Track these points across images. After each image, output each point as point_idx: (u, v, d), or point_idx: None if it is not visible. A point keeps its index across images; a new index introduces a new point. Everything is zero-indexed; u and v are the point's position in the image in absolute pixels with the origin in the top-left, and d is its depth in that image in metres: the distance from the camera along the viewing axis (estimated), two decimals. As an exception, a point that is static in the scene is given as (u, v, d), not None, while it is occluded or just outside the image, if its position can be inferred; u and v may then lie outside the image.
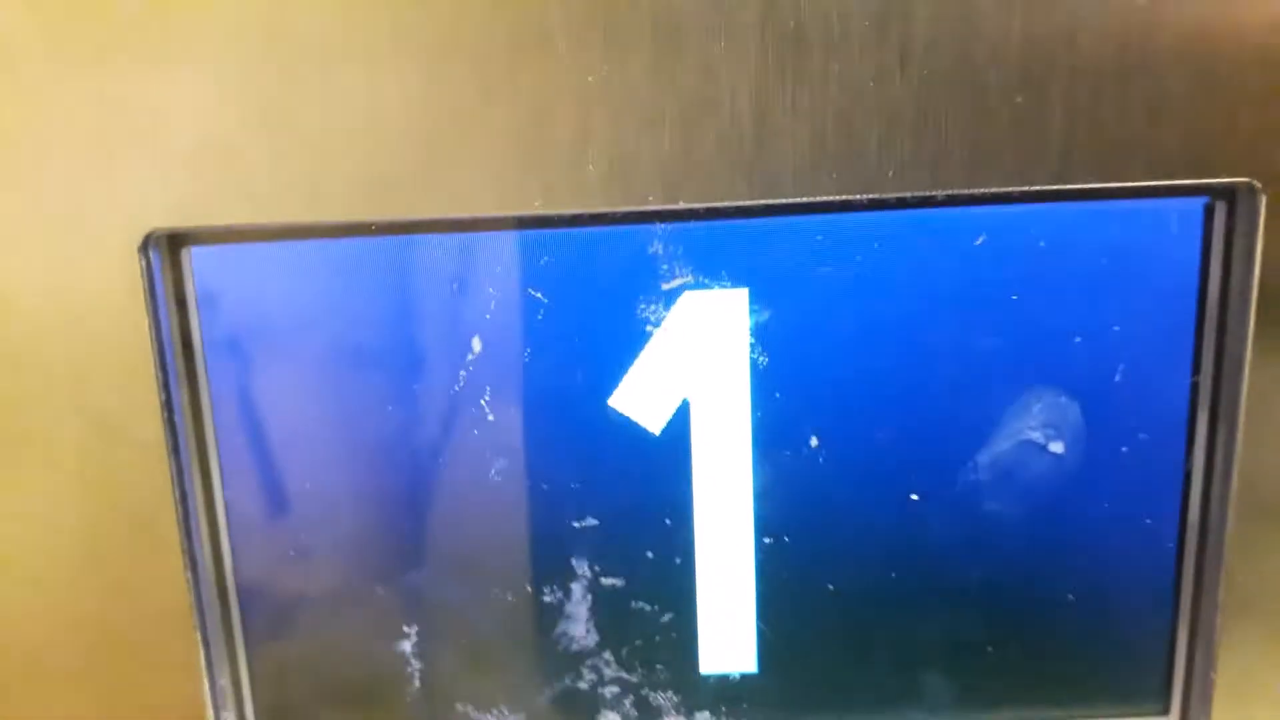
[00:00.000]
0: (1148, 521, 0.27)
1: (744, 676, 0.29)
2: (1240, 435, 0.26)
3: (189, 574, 0.28)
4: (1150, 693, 0.29)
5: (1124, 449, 0.27)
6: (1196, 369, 0.27)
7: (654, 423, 0.27)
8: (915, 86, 0.24)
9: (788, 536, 0.28)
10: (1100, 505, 0.27)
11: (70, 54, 0.24)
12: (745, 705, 0.29)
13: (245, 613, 0.29)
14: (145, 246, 0.25)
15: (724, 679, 0.29)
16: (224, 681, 0.29)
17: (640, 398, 0.27)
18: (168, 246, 0.26)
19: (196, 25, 0.24)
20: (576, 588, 0.28)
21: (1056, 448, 0.27)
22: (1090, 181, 0.25)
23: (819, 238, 0.26)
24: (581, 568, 0.28)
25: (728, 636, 0.29)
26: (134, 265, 0.26)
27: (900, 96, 0.24)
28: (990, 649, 0.29)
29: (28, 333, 0.26)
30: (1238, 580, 0.27)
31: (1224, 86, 0.24)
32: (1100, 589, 0.28)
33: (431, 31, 0.24)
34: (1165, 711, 0.29)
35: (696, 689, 0.29)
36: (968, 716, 0.29)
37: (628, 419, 0.27)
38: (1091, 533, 0.28)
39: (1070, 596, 0.28)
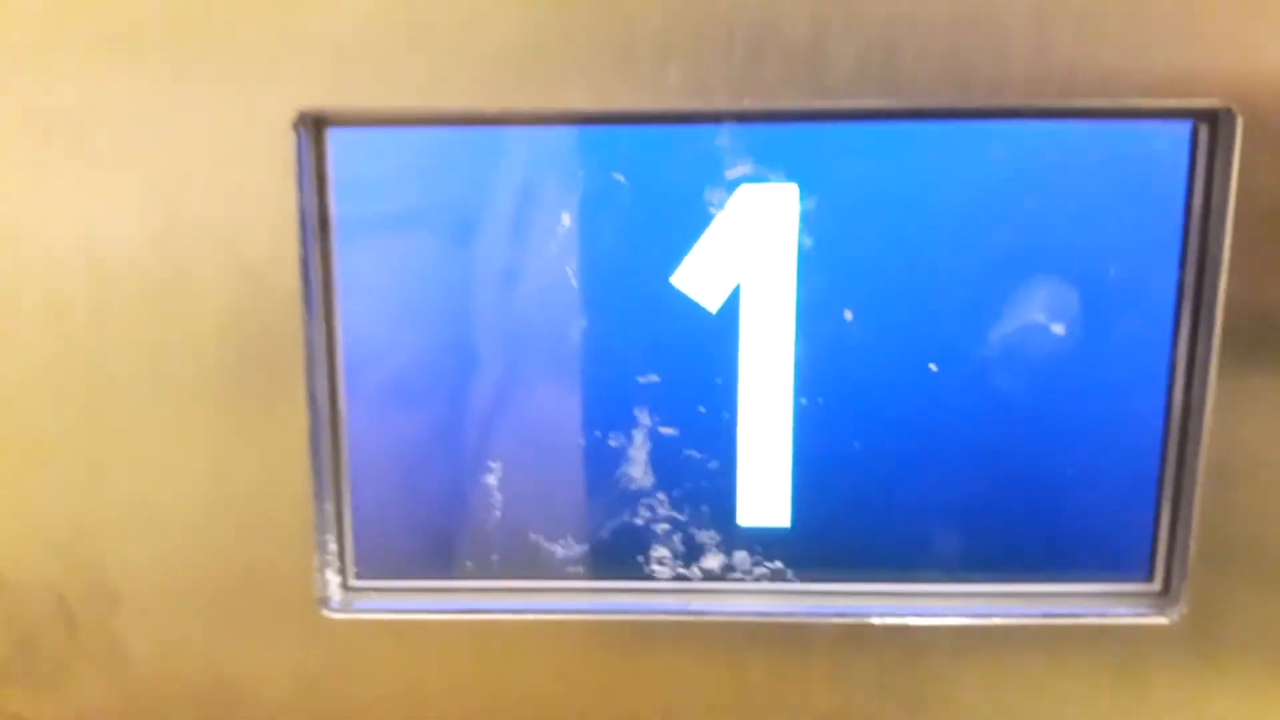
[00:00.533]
0: (1136, 403, 0.32)
1: (777, 529, 0.33)
2: (1218, 327, 0.30)
3: (308, 410, 0.32)
4: (1136, 561, 0.33)
5: (1115, 337, 0.31)
6: (1182, 270, 0.31)
7: (711, 301, 0.32)
8: (945, 13, 0.29)
9: (821, 399, 0.32)
10: (1095, 385, 0.32)
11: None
12: (778, 550, 0.34)
13: (353, 448, 0.33)
14: (296, 125, 0.31)
15: (760, 530, 0.34)
16: (328, 507, 0.34)
17: (700, 276, 0.32)
18: (314, 126, 0.31)
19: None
20: (638, 434, 0.33)
21: (1058, 330, 0.31)
22: (1091, 100, 0.29)
23: (861, 141, 0.31)
24: (642, 417, 0.33)
25: (764, 492, 0.33)
26: (286, 141, 0.31)
27: (933, 21, 0.29)
28: (992, 515, 0.33)
29: (194, 197, 0.31)
30: (1214, 459, 0.31)
31: (1208, 21, 0.28)
32: (1093, 465, 0.32)
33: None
34: (1150, 578, 0.33)
35: (736, 535, 0.34)
36: (970, 577, 0.33)
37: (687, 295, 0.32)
38: (1087, 411, 0.32)
39: (1068, 470, 0.32)
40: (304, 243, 0.32)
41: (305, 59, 0.30)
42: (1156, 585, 0.33)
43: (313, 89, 0.30)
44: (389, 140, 0.32)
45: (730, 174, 0.31)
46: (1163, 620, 0.33)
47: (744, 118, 0.30)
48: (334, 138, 0.31)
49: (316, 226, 0.32)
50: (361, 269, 0.32)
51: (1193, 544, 0.32)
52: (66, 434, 0.33)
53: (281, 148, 0.31)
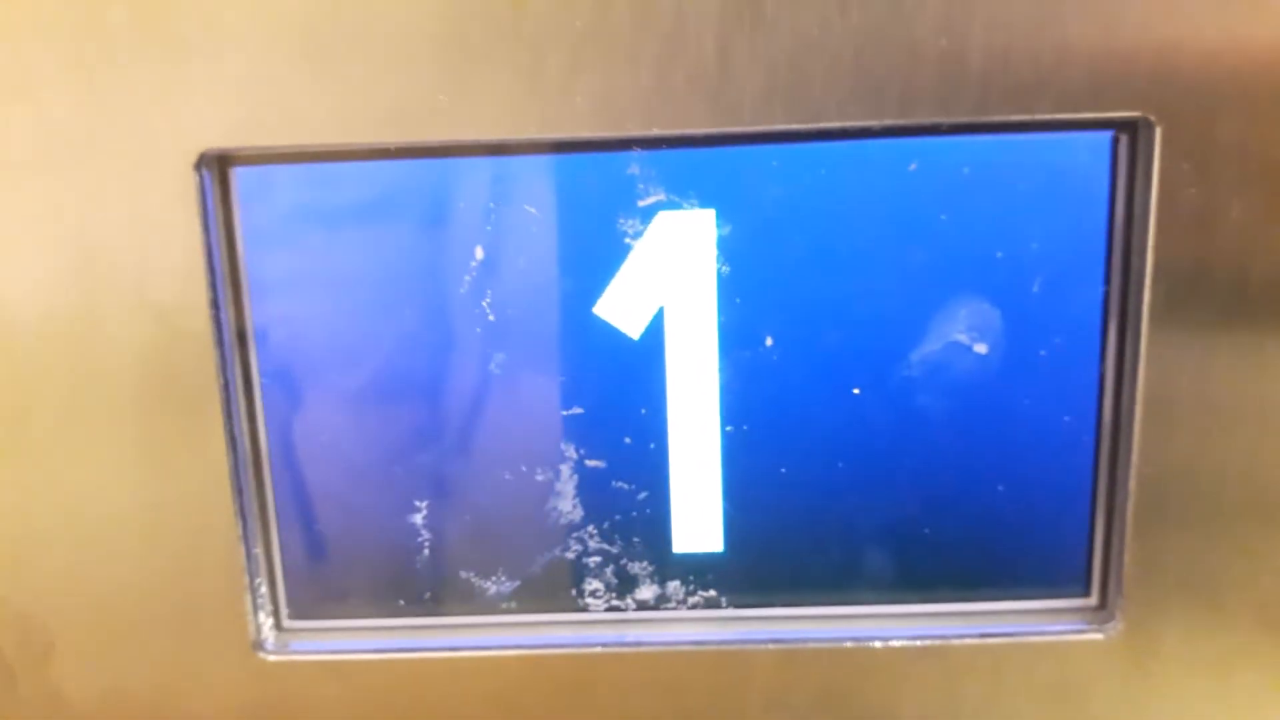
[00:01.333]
0: (1066, 419, 0.31)
1: (711, 555, 0.33)
2: (1145, 338, 0.30)
3: (229, 452, 0.32)
4: (1073, 578, 0.33)
5: (1042, 352, 0.31)
6: (1107, 281, 0.30)
7: (633, 328, 0.31)
8: (854, 31, 0.28)
9: (748, 425, 0.32)
10: (1023, 403, 0.31)
11: (143, 4, 0.29)
12: (712, 577, 0.33)
13: (278, 489, 0.33)
14: (199, 165, 0.30)
15: (693, 556, 0.33)
16: (257, 550, 0.33)
17: (621, 305, 0.31)
18: (217, 165, 0.30)
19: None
20: (564, 468, 0.32)
21: (981, 349, 0.31)
22: (1006, 115, 0.28)
23: (774, 163, 0.30)
24: (569, 450, 0.32)
25: (697, 517, 0.33)
26: (189, 181, 0.30)
27: (841, 39, 0.28)
28: (927, 535, 0.32)
29: (104, 240, 0.30)
30: (1145, 474, 0.31)
31: (1122, 32, 0.28)
32: (1026, 482, 0.32)
33: (444, -19, 0.28)
34: (1086, 594, 0.33)
35: (669, 563, 0.33)
36: (908, 597, 0.33)
37: (609, 324, 0.31)
38: (1016, 429, 0.31)
39: (999, 488, 0.32)
40: (213, 284, 0.31)
41: (207, 98, 0.29)
42: (1093, 600, 0.33)
43: (216, 128, 0.30)
44: (297, 177, 0.31)
45: (644, 202, 0.30)
46: (1099, 635, 0.32)
47: (654, 144, 0.30)
48: (239, 177, 0.31)
49: (226, 266, 0.31)
50: (276, 308, 0.32)
51: (1127, 559, 0.32)
52: (-14, 486, 0.33)
53: (185, 188, 0.30)
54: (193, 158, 0.30)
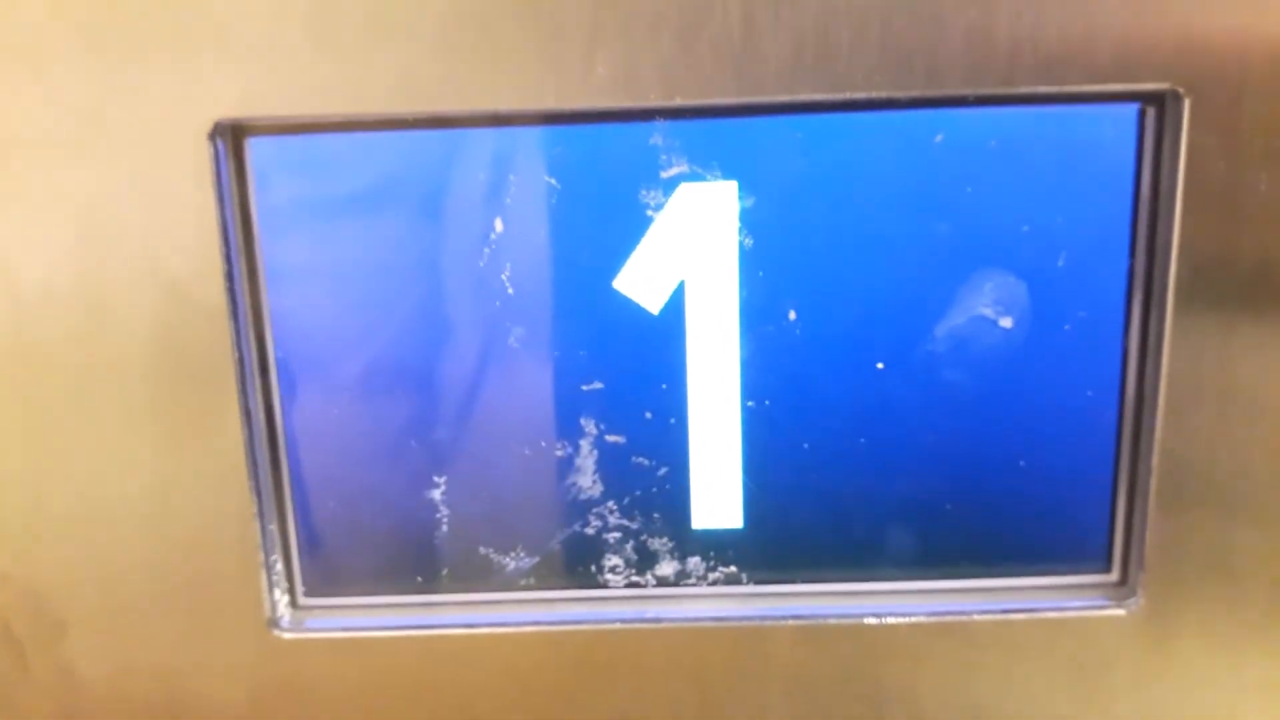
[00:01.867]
0: (1089, 394, 0.31)
1: (730, 531, 0.33)
2: (1170, 315, 0.30)
3: (244, 427, 0.32)
4: (1094, 554, 0.33)
5: (1067, 326, 0.31)
6: (1132, 255, 0.30)
7: (654, 302, 0.31)
8: (882, 1, 0.28)
9: (769, 400, 0.31)
10: (1047, 378, 0.31)
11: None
12: (732, 553, 0.33)
13: (292, 463, 0.33)
14: (213, 135, 0.29)
15: (713, 533, 0.33)
16: (273, 527, 0.33)
17: (641, 279, 0.31)
18: (231, 136, 0.30)
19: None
20: (584, 443, 0.32)
21: (1006, 323, 0.31)
22: (1034, 86, 0.28)
23: (798, 135, 0.29)
24: (589, 425, 0.32)
25: (716, 493, 0.32)
26: (204, 151, 0.30)
27: (868, 8, 0.28)
28: (949, 511, 0.32)
29: (110, 212, 0.30)
30: (1168, 450, 0.31)
31: (1151, 4, 0.27)
32: (1048, 458, 0.32)
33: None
34: (1108, 570, 0.33)
35: (689, 539, 0.33)
36: (928, 573, 0.33)
37: (629, 299, 0.31)
38: (1039, 404, 0.31)
39: (1022, 463, 0.32)
40: (227, 256, 0.30)
41: (220, 68, 0.29)
42: (1114, 576, 0.33)
43: (229, 98, 0.29)
44: (313, 147, 0.31)
45: (666, 174, 0.30)
46: (1120, 611, 0.32)
47: (676, 114, 0.29)
48: (254, 146, 0.31)
49: (240, 238, 0.31)
50: (291, 280, 0.31)
51: (1149, 536, 0.31)
52: (-1, 463, 0.32)
53: (200, 158, 0.30)
54: (207, 128, 0.29)
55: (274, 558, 0.33)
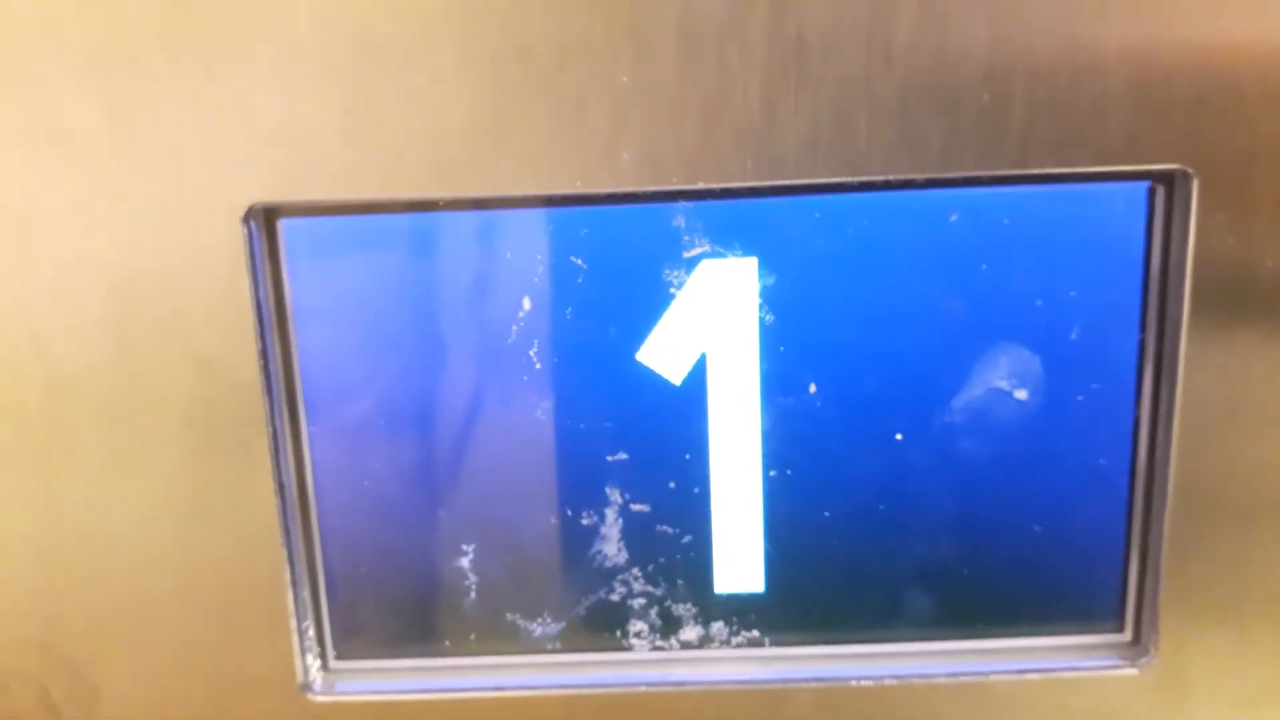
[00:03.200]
0: (1101, 461, 0.32)
1: (752, 595, 0.34)
2: (1180, 387, 0.31)
3: (278, 498, 0.32)
4: (1107, 613, 0.33)
5: (1080, 397, 0.31)
6: (1143, 329, 0.31)
7: (675, 374, 0.32)
8: (898, 85, 0.28)
9: (790, 470, 0.32)
10: (1060, 447, 0.32)
11: (181, 55, 0.29)
12: (754, 617, 0.34)
13: (325, 533, 0.33)
14: (247, 218, 0.30)
15: (735, 597, 0.34)
16: (305, 593, 0.34)
17: (663, 352, 0.32)
18: (264, 218, 0.31)
19: (289, 31, 0.29)
20: (610, 512, 0.33)
21: (1021, 395, 0.31)
22: (1046, 167, 0.29)
23: (817, 215, 0.30)
24: (614, 495, 0.33)
25: (738, 559, 0.33)
26: (237, 233, 0.30)
27: (885, 93, 0.28)
28: (966, 575, 0.33)
29: (146, 292, 0.31)
30: (1179, 513, 0.32)
31: (1160, 87, 0.28)
32: (1062, 522, 0.33)
33: (490, 37, 0.29)
34: (1120, 630, 0.33)
35: (711, 604, 0.34)
36: (946, 634, 0.34)
37: (652, 370, 0.32)
38: (1053, 471, 0.32)
39: (1036, 528, 0.33)
40: (261, 334, 0.31)
41: (254, 152, 0.29)
42: (1127, 636, 0.33)
43: (263, 181, 0.30)
44: (345, 229, 0.31)
45: (689, 253, 0.31)
46: (1134, 670, 0.33)
47: (698, 195, 0.30)
48: (286, 229, 0.31)
49: (274, 316, 0.32)
50: (323, 357, 0.32)
51: (1161, 596, 0.32)
52: (34, 535, 0.33)
53: (233, 240, 0.30)
54: (240, 210, 0.30)
55: (305, 623, 0.34)
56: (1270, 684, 0.33)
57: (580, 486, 0.33)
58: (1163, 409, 0.31)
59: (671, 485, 0.33)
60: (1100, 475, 0.32)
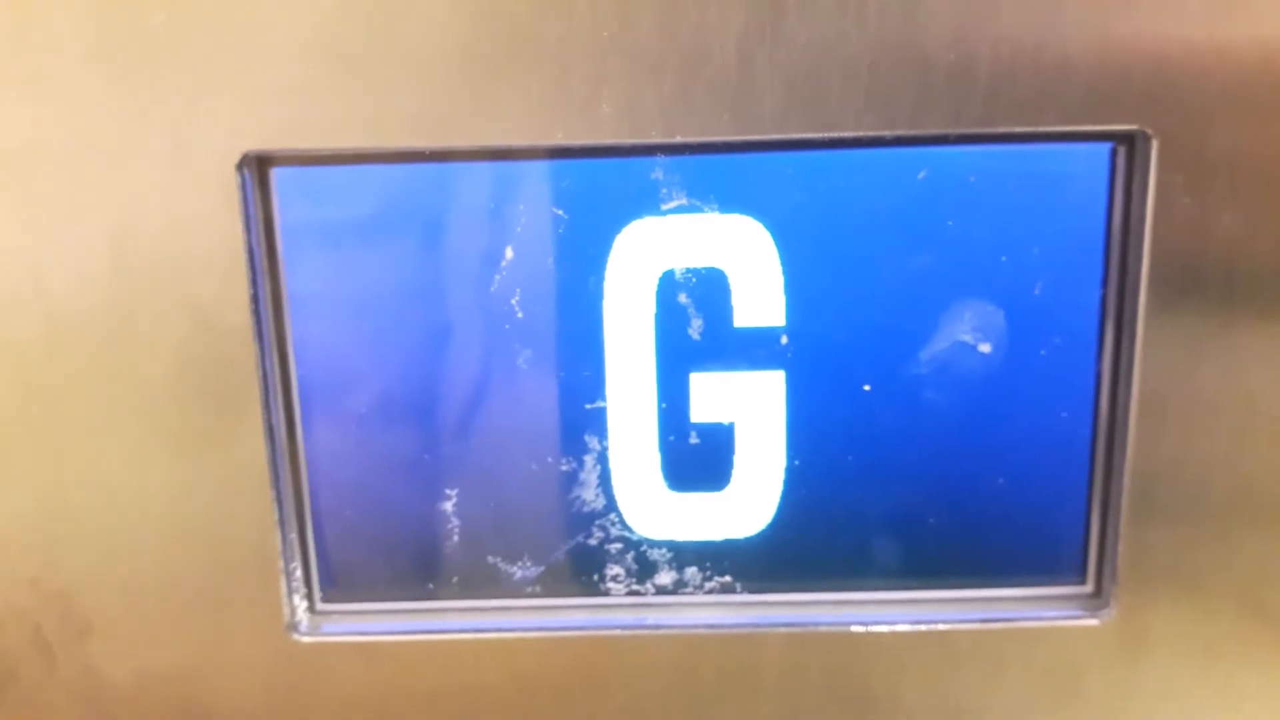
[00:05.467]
0: (1064, 415, 0.33)
1: (725, 542, 0.35)
2: (1140, 342, 0.32)
3: (266, 441, 0.33)
4: (1068, 566, 0.34)
5: (1042, 351, 0.32)
6: (1104, 286, 0.32)
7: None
8: (869, 45, 0.30)
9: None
10: (1024, 400, 0.33)
11: (177, 7, 0.30)
12: (727, 564, 0.35)
13: (313, 477, 0.34)
14: (240, 166, 0.31)
15: (708, 544, 0.35)
16: (292, 535, 0.35)
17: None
18: (257, 166, 0.32)
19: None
20: (588, 459, 0.34)
21: (985, 349, 0.33)
22: (1011, 126, 0.30)
23: (790, 170, 0.31)
24: (592, 442, 0.34)
25: (712, 507, 0.35)
26: (230, 182, 0.31)
27: (857, 53, 0.30)
28: (932, 526, 0.34)
29: (142, 239, 0.32)
30: (1139, 468, 0.33)
31: (1121, 50, 0.29)
32: (1025, 475, 0.34)
33: (477, -5, 0.30)
34: (1082, 581, 0.34)
35: (687, 550, 0.35)
36: (913, 584, 0.35)
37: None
38: (1016, 424, 0.33)
39: (1000, 480, 0.34)
40: (253, 278, 0.32)
41: (246, 102, 0.31)
42: (1088, 588, 0.34)
43: (256, 130, 0.31)
44: (335, 177, 0.32)
45: (666, 205, 0.32)
46: (1094, 621, 0.34)
47: (677, 150, 0.31)
48: (278, 177, 0.32)
49: (265, 262, 0.33)
50: (312, 302, 0.33)
51: (1121, 548, 0.33)
52: (28, 472, 0.34)
53: (227, 188, 0.31)
54: (233, 159, 0.31)
55: (293, 565, 0.35)
56: (1228, 635, 0.34)
57: (560, 433, 0.34)
58: (1123, 364, 0.32)
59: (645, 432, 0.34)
60: (1063, 428, 0.33)
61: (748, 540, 0.35)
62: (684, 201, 0.32)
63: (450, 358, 0.34)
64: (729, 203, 0.32)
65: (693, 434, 0.33)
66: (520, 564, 0.36)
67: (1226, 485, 0.32)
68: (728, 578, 0.35)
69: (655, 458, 0.34)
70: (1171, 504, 0.33)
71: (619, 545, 0.35)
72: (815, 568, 0.35)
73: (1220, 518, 0.33)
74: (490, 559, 0.35)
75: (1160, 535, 0.33)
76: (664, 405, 0.33)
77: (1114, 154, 0.31)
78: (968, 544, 0.34)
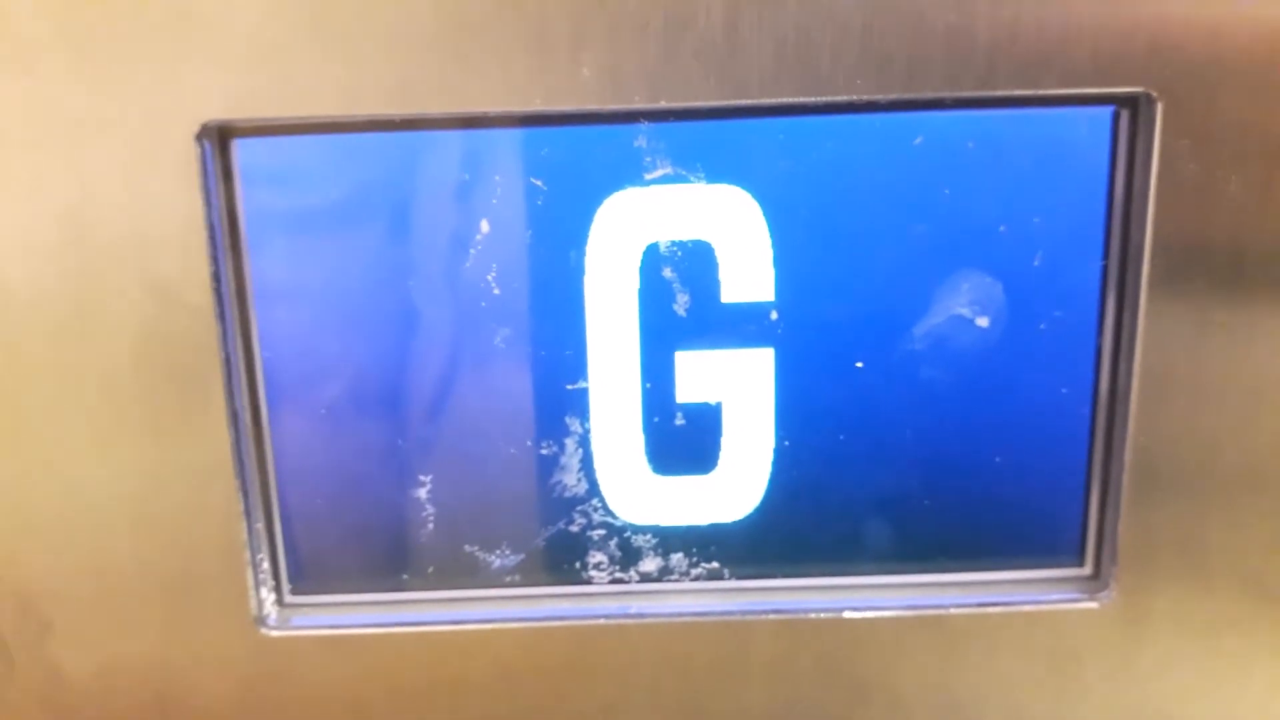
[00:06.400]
0: (1064, 391, 0.32)
1: (712, 527, 0.33)
2: (1142, 314, 0.30)
3: (230, 427, 0.32)
4: (1067, 548, 0.33)
5: (1042, 325, 0.31)
6: (1106, 256, 0.31)
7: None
8: (863, 4, 0.28)
9: (751, 400, 0.32)
10: (1022, 376, 0.32)
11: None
12: (714, 549, 0.34)
13: (280, 464, 0.33)
14: (200, 137, 0.30)
15: (694, 529, 0.33)
16: (259, 525, 0.33)
17: (626, 279, 0.32)
18: (218, 137, 0.30)
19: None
20: (569, 442, 0.33)
21: (983, 322, 0.31)
22: (1011, 89, 0.29)
23: (780, 137, 0.30)
24: (574, 424, 0.33)
25: (699, 491, 0.33)
26: (190, 153, 0.30)
27: (849, 12, 0.28)
28: (927, 508, 0.33)
29: (99, 214, 0.30)
30: (1139, 447, 0.32)
31: (1125, 10, 0.28)
32: (1023, 455, 0.33)
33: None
34: (1081, 564, 0.34)
35: (672, 535, 0.34)
36: (907, 568, 0.33)
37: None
38: (1014, 401, 0.32)
39: (997, 460, 0.33)
40: (214, 256, 0.31)
41: (208, 70, 0.29)
42: (1087, 570, 0.33)
43: (216, 99, 0.29)
44: (301, 148, 0.31)
45: (650, 175, 0.31)
46: (1093, 604, 0.33)
47: (661, 116, 0.30)
48: (240, 148, 0.31)
49: (227, 239, 0.31)
50: (278, 281, 0.32)
51: (1121, 530, 0.32)
52: (-18, 463, 0.32)
53: (186, 160, 0.30)
54: (193, 129, 0.29)
55: (260, 556, 0.33)
56: (1226, 618, 0.33)
57: (540, 415, 0.32)
58: (1125, 338, 0.31)
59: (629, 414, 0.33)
60: (1062, 406, 0.32)
61: (735, 525, 0.33)
62: (669, 171, 0.30)
63: (424, 338, 0.32)
64: (716, 172, 0.30)
65: (678, 415, 0.32)
66: (499, 552, 0.34)
67: (1229, 466, 0.32)
68: (715, 564, 0.34)
69: (639, 440, 0.33)
70: (1172, 485, 0.32)
71: (602, 531, 0.34)
72: (805, 552, 0.34)
73: (1222, 499, 0.32)
74: (467, 548, 0.34)
75: (1160, 517, 0.32)
76: (648, 385, 0.32)
77: (1117, 118, 0.30)
78: (963, 526, 0.33)
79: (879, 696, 0.34)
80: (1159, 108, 0.29)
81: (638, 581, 0.34)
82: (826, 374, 0.32)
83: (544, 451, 0.33)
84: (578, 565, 0.34)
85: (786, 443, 0.32)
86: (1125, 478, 0.32)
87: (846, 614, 0.33)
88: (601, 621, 0.33)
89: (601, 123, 0.30)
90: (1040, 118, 0.30)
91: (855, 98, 0.29)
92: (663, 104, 0.29)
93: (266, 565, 0.34)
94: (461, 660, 0.34)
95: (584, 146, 0.30)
